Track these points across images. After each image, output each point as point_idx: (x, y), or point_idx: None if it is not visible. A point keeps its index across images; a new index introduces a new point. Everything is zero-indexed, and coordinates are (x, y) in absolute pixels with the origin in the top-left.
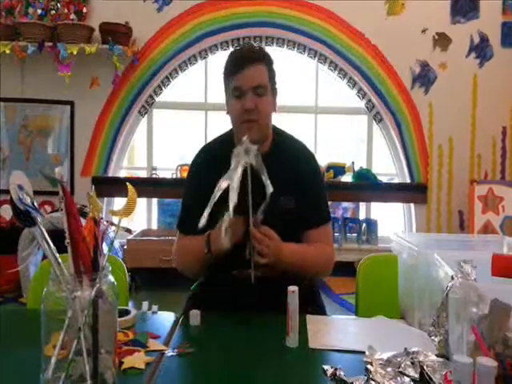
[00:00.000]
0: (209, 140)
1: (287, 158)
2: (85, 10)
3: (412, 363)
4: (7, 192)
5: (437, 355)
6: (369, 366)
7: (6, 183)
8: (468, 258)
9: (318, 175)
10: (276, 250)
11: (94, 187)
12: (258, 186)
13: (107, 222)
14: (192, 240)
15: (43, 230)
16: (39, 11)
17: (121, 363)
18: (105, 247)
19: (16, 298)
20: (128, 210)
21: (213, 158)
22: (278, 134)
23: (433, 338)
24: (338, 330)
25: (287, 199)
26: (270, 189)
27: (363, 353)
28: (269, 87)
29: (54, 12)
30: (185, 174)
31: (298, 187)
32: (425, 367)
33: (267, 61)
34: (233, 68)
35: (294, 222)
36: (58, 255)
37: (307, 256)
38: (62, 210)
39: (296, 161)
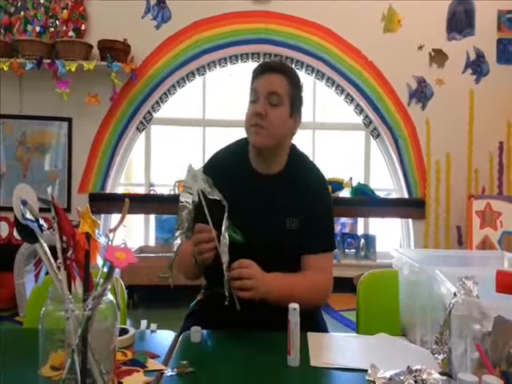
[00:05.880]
0: (220, 148)
1: (298, 181)
2: (83, 27)
3: (415, 381)
4: (4, 209)
5: (440, 373)
6: None
7: (4, 200)
8: (469, 275)
9: (325, 200)
10: (261, 279)
11: (88, 203)
12: (216, 206)
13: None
14: (188, 246)
15: (45, 247)
16: (38, 28)
17: None
18: (101, 263)
19: (12, 317)
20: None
21: (222, 166)
22: (295, 154)
23: (436, 355)
24: (340, 348)
25: (292, 221)
26: (224, 202)
27: (365, 371)
28: (285, 100)
29: (52, 29)
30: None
31: (303, 211)
32: None
33: (290, 76)
34: (255, 72)
35: (297, 244)
36: (59, 273)
37: (295, 287)
38: (53, 230)
39: (306, 185)
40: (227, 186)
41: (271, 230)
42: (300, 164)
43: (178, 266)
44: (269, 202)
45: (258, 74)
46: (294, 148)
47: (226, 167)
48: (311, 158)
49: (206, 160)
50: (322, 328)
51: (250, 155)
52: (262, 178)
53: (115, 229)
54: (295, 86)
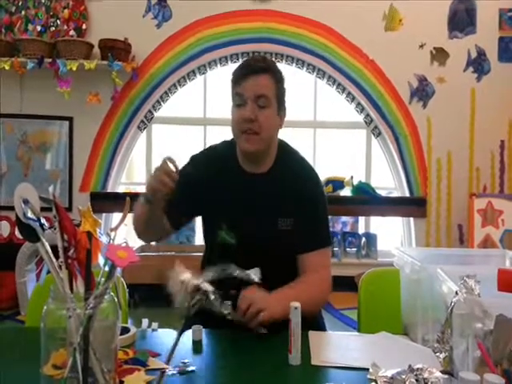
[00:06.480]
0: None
1: (288, 178)
2: (84, 26)
3: (416, 380)
4: (6, 208)
5: (442, 372)
6: None
7: (5, 199)
8: (471, 273)
9: (319, 197)
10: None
11: (89, 202)
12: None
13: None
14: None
15: (47, 246)
16: (39, 28)
17: (121, 382)
18: (102, 262)
19: (13, 316)
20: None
21: (213, 159)
22: (284, 151)
23: (437, 354)
24: (341, 347)
25: (285, 221)
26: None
27: (367, 369)
28: (273, 101)
29: (53, 28)
30: None
31: (296, 209)
32: None
33: (275, 74)
34: (238, 75)
35: (290, 245)
36: (60, 272)
37: (300, 297)
38: (55, 229)
39: (297, 181)
40: (213, 175)
41: (262, 230)
42: (290, 161)
43: (136, 223)
44: (259, 202)
45: (241, 77)
46: (284, 145)
47: (216, 158)
48: (312, 157)
49: (202, 148)
50: (320, 327)
51: (239, 156)
52: (251, 177)
53: (116, 228)
54: (280, 83)
